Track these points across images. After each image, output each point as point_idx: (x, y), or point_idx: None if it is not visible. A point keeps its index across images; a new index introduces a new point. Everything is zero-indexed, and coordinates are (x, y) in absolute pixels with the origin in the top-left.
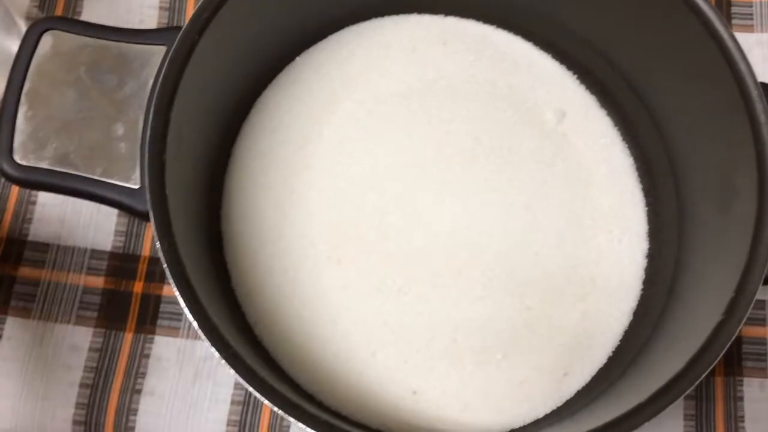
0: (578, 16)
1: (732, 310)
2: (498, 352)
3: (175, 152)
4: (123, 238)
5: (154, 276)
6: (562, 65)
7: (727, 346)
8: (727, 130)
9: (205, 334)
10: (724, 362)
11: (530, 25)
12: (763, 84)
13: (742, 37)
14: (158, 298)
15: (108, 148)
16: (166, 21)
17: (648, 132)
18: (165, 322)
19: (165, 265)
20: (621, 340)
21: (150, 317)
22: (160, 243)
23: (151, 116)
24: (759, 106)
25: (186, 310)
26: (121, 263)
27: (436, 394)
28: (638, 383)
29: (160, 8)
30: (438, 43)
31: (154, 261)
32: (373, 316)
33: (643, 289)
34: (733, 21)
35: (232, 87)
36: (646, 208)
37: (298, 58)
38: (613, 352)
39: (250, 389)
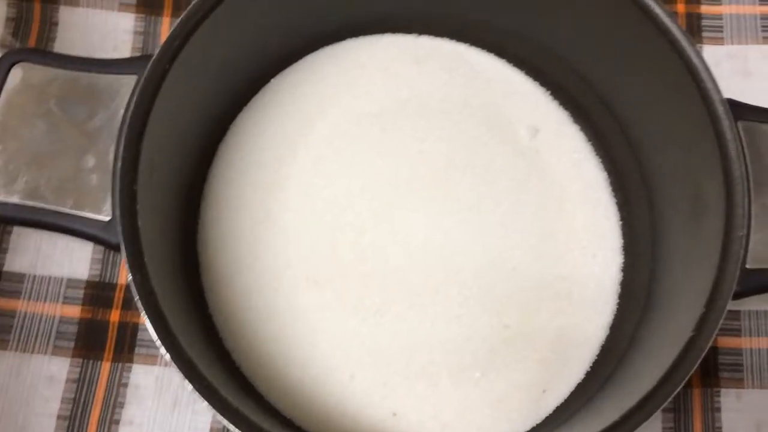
0: (551, 33)
1: (702, 325)
2: (476, 371)
3: (147, 181)
4: (99, 267)
5: (131, 304)
6: (535, 82)
7: (699, 361)
8: (696, 146)
9: (179, 367)
10: (701, 373)
11: (503, 43)
12: (729, 100)
13: (712, 49)
14: (135, 326)
15: (79, 180)
16: (140, 46)
17: (620, 147)
18: (143, 350)
19: (136, 298)
20: (598, 355)
21: (127, 345)
22: (132, 275)
23: (121, 147)
24: (725, 123)
25: (158, 343)
26: (97, 292)
27: (415, 416)
28: (616, 398)
29: (135, 33)
30: (411, 62)
31: (130, 289)
32: (350, 338)
33: (618, 303)
34: (704, 33)
35: (205, 112)
36: (620, 223)
37: (273, 79)
38: (590, 366)
39: (225, 422)
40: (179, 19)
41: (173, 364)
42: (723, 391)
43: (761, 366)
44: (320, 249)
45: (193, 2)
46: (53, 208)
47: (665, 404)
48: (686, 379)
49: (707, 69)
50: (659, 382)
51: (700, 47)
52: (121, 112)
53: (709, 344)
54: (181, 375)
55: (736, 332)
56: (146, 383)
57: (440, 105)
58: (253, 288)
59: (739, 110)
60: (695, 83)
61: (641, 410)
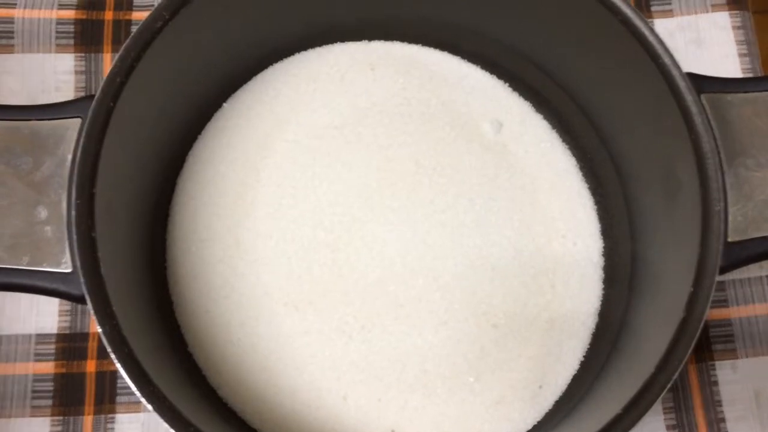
0: (501, 25)
1: (692, 306)
2: (470, 375)
3: (106, 226)
4: (68, 318)
5: (107, 352)
6: (492, 75)
7: (694, 341)
8: (661, 123)
9: (163, 417)
10: (694, 349)
11: (455, 40)
12: (689, 74)
13: (663, 23)
14: (114, 374)
15: (32, 234)
16: (84, 85)
17: (586, 132)
18: (124, 398)
19: (109, 350)
20: (590, 344)
21: (108, 395)
22: (101, 327)
23: (73, 194)
24: (689, 98)
25: (138, 394)
26: (69, 344)
27: (414, 429)
28: (615, 387)
29: (76, 73)
30: (365, 69)
31: None
32: (339, 358)
33: (604, 289)
34: (653, 7)
35: (159, 144)
36: (595, 207)
37: (225, 104)
38: (584, 357)
39: None
40: (118, 54)
41: (158, 414)
42: (718, 363)
43: (752, 333)
44: (296, 272)
45: (130, 36)
46: (8, 266)
47: (666, 389)
48: (684, 361)
49: (663, 44)
50: (657, 368)
51: (651, 22)
52: (69, 157)
53: (702, 323)
54: (168, 425)
55: (723, 303)
56: None
57: (400, 109)
58: (231, 320)
59: (701, 82)
60: (653, 60)
61: (643, 398)
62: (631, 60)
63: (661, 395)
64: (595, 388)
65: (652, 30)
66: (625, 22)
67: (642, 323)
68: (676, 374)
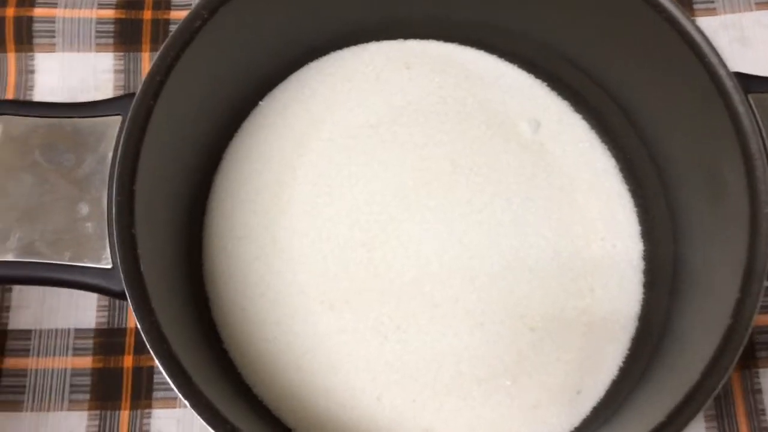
0: (538, 23)
1: (740, 312)
2: (506, 378)
3: (146, 223)
4: (106, 313)
5: (144, 348)
6: (530, 74)
7: (741, 349)
8: (706, 123)
9: (200, 413)
10: None
11: (491, 39)
12: (736, 73)
13: (705, 21)
14: (151, 370)
15: (75, 231)
16: (123, 83)
17: (626, 131)
18: (161, 394)
19: (149, 346)
20: (630, 349)
21: (144, 391)
22: (140, 323)
23: (114, 191)
24: (736, 98)
25: (177, 391)
26: (107, 339)
27: (449, 431)
28: (656, 394)
29: (115, 71)
30: (401, 67)
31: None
32: (374, 358)
33: (644, 293)
34: (695, 6)
35: (197, 143)
36: (636, 209)
37: (261, 102)
38: (623, 362)
39: None
40: (158, 52)
41: (194, 410)
42: (762, 371)
43: None
44: (331, 270)
45: (170, 35)
46: (51, 261)
47: (711, 398)
48: (731, 369)
49: (709, 43)
50: (703, 376)
51: (694, 20)
52: (110, 155)
53: (750, 330)
54: (204, 422)
55: None
56: (168, 428)
57: (436, 108)
58: (267, 318)
59: (748, 82)
60: (699, 59)
61: (688, 407)
62: (675, 59)
63: (707, 404)
64: (636, 394)
65: (697, 28)
66: (670, 19)
67: (685, 329)
68: (723, 382)
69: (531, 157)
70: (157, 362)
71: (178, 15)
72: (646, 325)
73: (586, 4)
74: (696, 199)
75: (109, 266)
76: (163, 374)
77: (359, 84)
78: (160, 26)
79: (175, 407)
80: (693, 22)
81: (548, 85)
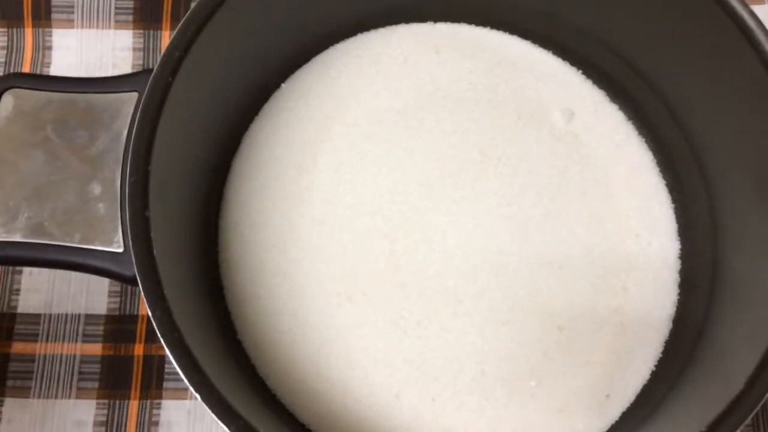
0: (575, 6)
1: None
2: (531, 380)
3: (160, 206)
4: (118, 299)
5: (155, 336)
6: (564, 61)
7: None
8: (756, 117)
9: (212, 408)
10: None
11: (526, 23)
12: None
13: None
14: (162, 359)
15: (85, 211)
16: (141, 62)
17: (665, 123)
18: (171, 384)
19: (159, 334)
20: (663, 353)
21: (155, 380)
22: (151, 310)
23: (128, 171)
24: None
25: (188, 383)
26: (118, 326)
27: None
28: (690, 402)
29: (134, 50)
30: (430, 51)
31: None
32: (392, 354)
33: (680, 294)
34: None
35: (215, 124)
36: (673, 205)
37: (283, 84)
38: (655, 366)
39: None
40: (177, 28)
41: (206, 404)
42: None
43: None
44: (350, 261)
45: (190, 10)
46: (60, 243)
47: (757, 408)
48: None
49: (765, 30)
50: (747, 385)
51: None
52: (125, 132)
53: None
54: (213, 415)
55: None
56: (178, 419)
57: (466, 94)
58: (282, 309)
59: None
60: (752, 47)
61: (731, 416)
62: (725, 46)
63: (751, 415)
64: (669, 400)
65: (752, 13)
66: (721, 2)
67: (724, 334)
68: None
69: (564, 149)
70: (167, 352)
71: None
72: (680, 327)
73: None
74: (740, 199)
75: (121, 250)
76: (174, 364)
77: (386, 67)
78: (180, 4)
79: (185, 398)
80: (747, 7)
81: (583, 73)
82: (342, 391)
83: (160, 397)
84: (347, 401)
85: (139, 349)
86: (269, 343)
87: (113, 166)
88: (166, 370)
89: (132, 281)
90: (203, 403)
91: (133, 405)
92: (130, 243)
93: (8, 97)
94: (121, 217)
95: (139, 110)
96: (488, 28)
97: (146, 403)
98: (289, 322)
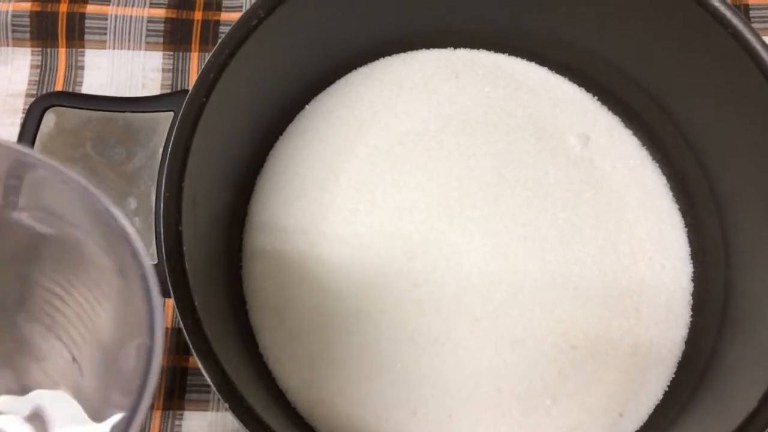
0: (592, 34)
1: None
2: (546, 398)
3: (191, 221)
4: None
5: (179, 348)
6: (580, 88)
7: None
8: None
9: (240, 418)
10: None
11: (543, 50)
12: None
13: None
14: (184, 371)
15: None
16: (170, 83)
17: (679, 150)
18: (193, 396)
19: (191, 345)
20: (676, 373)
21: (177, 391)
22: (184, 321)
23: (163, 187)
24: None
25: (218, 393)
26: None
27: None
28: (703, 421)
29: (163, 70)
30: (450, 76)
31: (176, 332)
32: (410, 370)
33: (692, 316)
34: (753, 25)
35: (243, 143)
36: (686, 229)
37: (307, 105)
38: (668, 386)
39: None
40: (213, 51)
41: (233, 413)
42: None
43: None
44: (371, 278)
45: (227, 32)
46: None
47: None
48: None
49: None
50: (759, 405)
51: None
52: (160, 150)
53: None
54: (242, 425)
55: None
56: (199, 431)
57: (484, 118)
58: (303, 324)
59: None
60: (765, 78)
61: None
62: (739, 76)
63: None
64: (681, 420)
65: (764, 45)
66: (736, 35)
67: (736, 355)
68: None
69: (579, 173)
70: (198, 362)
71: (229, 17)
72: (693, 349)
73: (642, 15)
74: (755, 224)
75: (154, 262)
76: (197, 376)
77: (407, 91)
78: (210, 27)
79: (207, 410)
80: (760, 39)
81: (599, 99)
82: (360, 406)
83: (183, 408)
84: (366, 416)
85: (163, 361)
86: (289, 358)
87: (148, 182)
88: (188, 382)
89: (164, 292)
90: (232, 413)
91: (156, 415)
92: (164, 256)
93: (50, 115)
94: (155, 231)
95: (176, 128)
96: (507, 54)
97: (168, 413)
98: (307, 337)
